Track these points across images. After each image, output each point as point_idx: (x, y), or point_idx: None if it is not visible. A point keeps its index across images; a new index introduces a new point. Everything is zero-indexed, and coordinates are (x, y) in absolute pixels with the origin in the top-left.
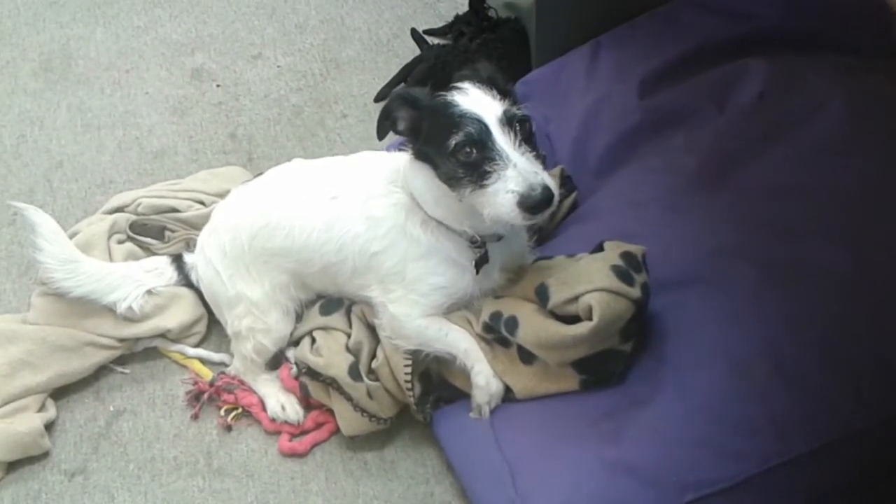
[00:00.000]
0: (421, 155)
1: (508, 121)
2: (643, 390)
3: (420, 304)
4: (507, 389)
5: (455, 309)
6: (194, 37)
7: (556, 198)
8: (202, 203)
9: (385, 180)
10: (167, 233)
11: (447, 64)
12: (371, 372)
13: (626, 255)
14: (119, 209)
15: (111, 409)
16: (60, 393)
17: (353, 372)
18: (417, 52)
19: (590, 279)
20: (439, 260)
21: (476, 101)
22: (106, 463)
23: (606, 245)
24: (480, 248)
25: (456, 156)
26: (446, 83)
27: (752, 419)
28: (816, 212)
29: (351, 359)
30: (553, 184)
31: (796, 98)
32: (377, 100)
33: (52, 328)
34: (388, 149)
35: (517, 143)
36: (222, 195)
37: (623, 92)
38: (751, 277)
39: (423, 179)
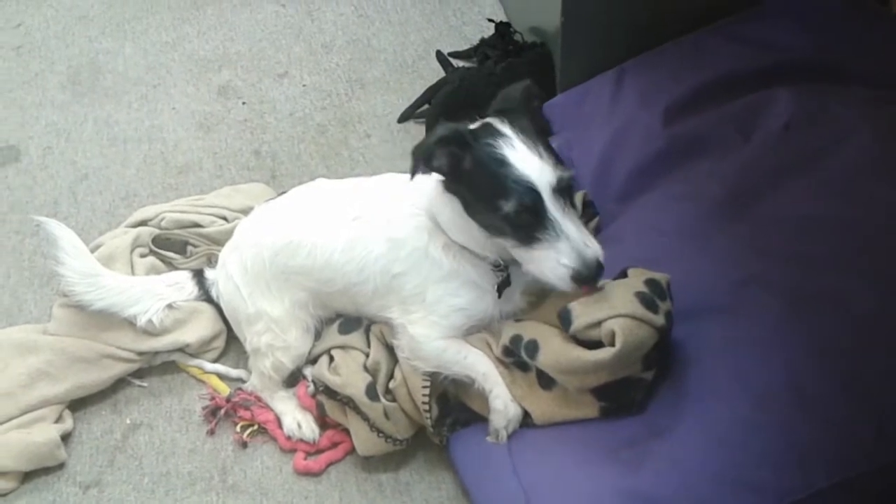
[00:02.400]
0: (452, 189)
1: (561, 190)
2: (663, 420)
3: (439, 325)
4: (526, 414)
5: (475, 331)
6: (221, 54)
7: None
8: (225, 219)
9: (408, 202)
10: (189, 248)
11: (472, 87)
12: (388, 392)
13: (650, 283)
14: (142, 223)
15: (128, 421)
16: (78, 405)
17: (371, 392)
18: (442, 74)
19: (613, 305)
20: (461, 283)
21: (527, 162)
22: (121, 476)
23: (630, 272)
24: (503, 272)
25: (507, 219)
26: (470, 106)
27: (772, 452)
28: (840, 244)
29: (368, 378)
30: (600, 251)
31: (822, 129)
32: (401, 120)
33: (71, 339)
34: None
35: (566, 209)
36: (245, 211)
37: (647, 119)
38: (773, 308)
39: (450, 211)
